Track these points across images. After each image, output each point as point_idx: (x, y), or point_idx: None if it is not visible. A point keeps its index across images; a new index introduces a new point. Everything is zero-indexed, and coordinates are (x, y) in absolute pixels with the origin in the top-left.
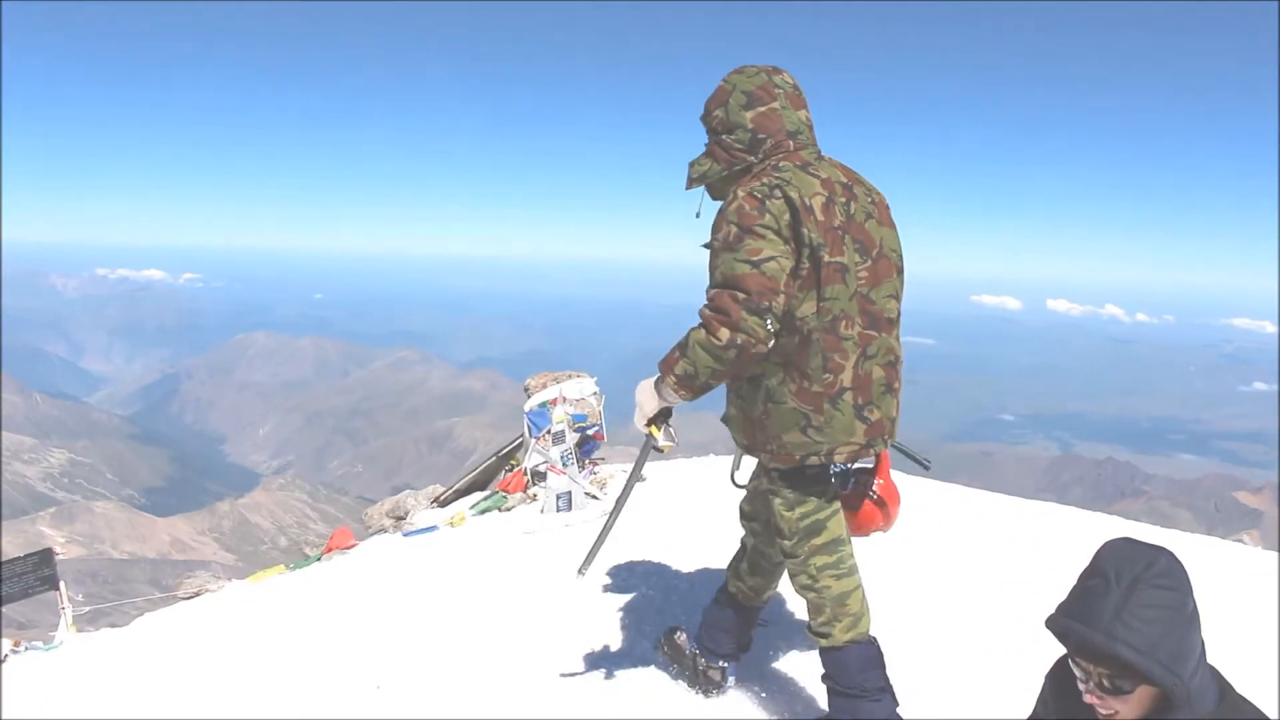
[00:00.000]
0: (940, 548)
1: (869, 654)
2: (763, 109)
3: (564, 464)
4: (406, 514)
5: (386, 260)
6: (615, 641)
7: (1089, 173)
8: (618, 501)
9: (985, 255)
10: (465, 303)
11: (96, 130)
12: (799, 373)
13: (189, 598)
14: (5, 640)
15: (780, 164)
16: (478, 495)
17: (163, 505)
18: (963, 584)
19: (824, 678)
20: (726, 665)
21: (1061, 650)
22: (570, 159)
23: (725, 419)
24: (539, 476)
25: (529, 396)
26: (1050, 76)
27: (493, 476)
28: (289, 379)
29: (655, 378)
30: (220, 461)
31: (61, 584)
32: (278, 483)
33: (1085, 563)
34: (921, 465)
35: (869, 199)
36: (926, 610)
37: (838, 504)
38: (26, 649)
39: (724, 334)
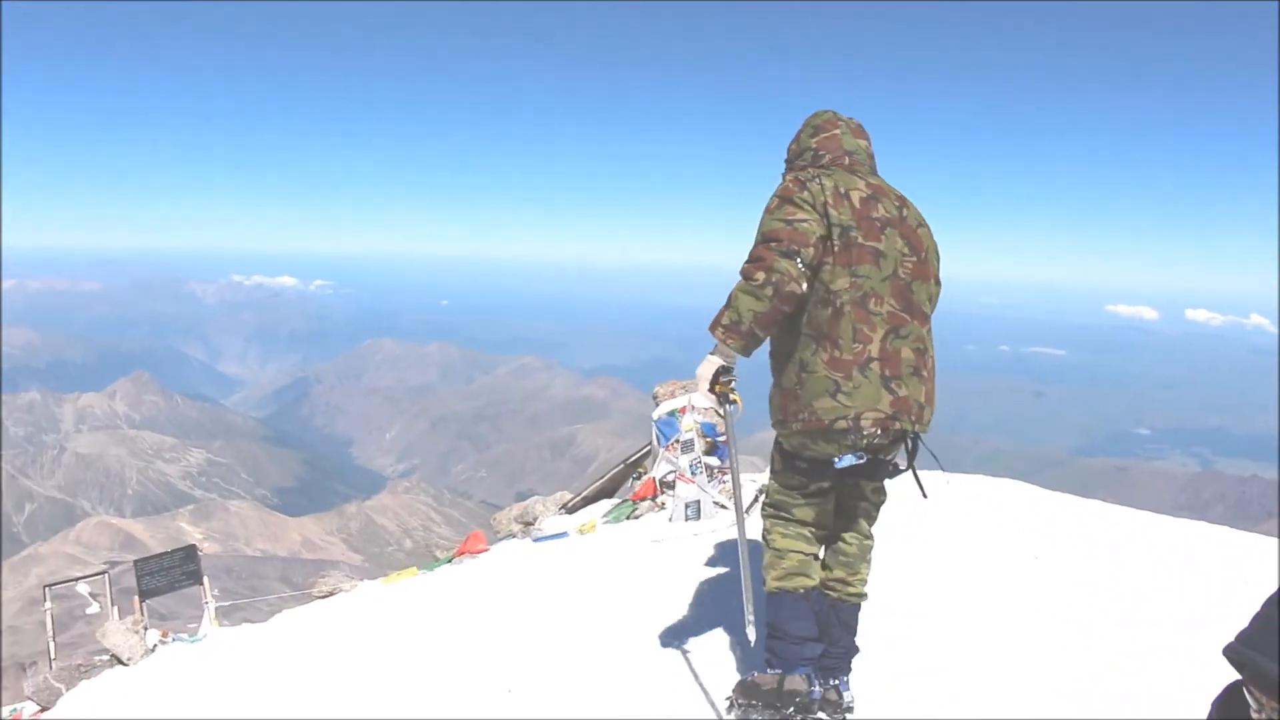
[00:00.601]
0: (1087, 567)
1: (799, 606)
2: (825, 135)
3: (693, 473)
4: (535, 520)
5: (512, 267)
6: (743, 649)
7: (1233, 177)
8: (735, 498)
9: (1121, 264)
10: (590, 310)
11: (233, 139)
12: (830, 343)
13: (323, 597)
14: (154, 631)
15: (831, 166)
16: (607, 502)
17: (293, 505)
18: (1110, 604)
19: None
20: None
21: (1234, 676)
22: (708, 165)
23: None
24: (668, 485)
25: (657, 404)
26: (1193, 73)
27: (620, 484)
28: (415, 384)
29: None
30: (348, 464)
31: (205, 579)
32: (403, 486)
33: (1235, 586)
34: (921, 493)
35: (920, 216)
36: (1077, 631)
37: (817, 501)
38: (174, 640)
39: (760, 275)
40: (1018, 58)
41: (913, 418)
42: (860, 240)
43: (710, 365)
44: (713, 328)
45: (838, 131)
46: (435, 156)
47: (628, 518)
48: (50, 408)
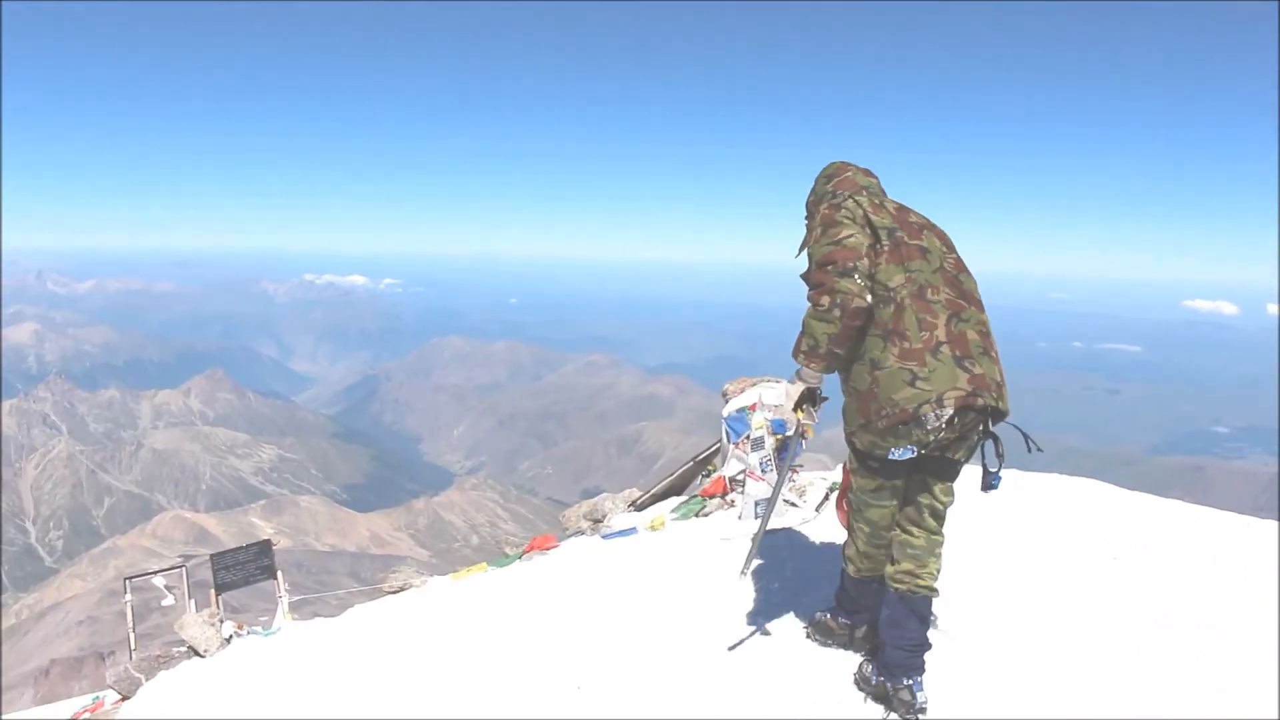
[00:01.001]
0: (1168, 570)
1: (866, 587)
2: (840, 178)
3: (763, 470)
4: (604, 517)
5: (579, 266)
6: (810, 649)
7: None
8: (769, 501)
9: (1201, 258)
10: (657, 308)
11: (309, 142)
12: (898, 336)
13: (394, 592)
14: (229, 624)
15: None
16: (676, 500)
17: (362, 501)
18: (1192, 607)
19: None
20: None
21: None
22: (776, 164)
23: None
24: (737, 483)
25: (726, 401)
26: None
27: (689, 481)
28: (483, 382)
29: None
30: (416, 460)
31: (279, 573)
32: (470, 482)
33: None
34: (1034, 448)
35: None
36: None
37: (887, 502)
38: (249, 633)
39: (825, 300)
40: (1097, 46)
41: (994, 395)
42: (906, 239)
43: (798, 388)
44: (795, 355)
45: (849, 174)
46: (506, 157)
47: (696, 515)
48: (128, 405)
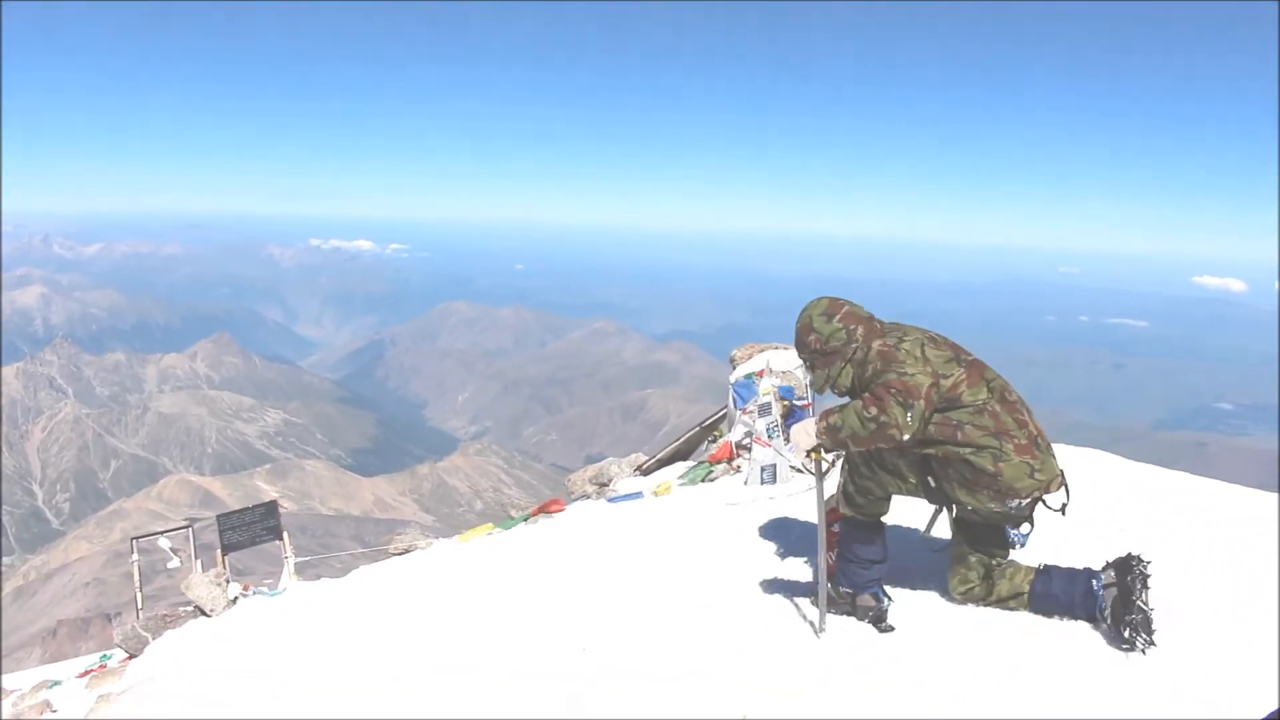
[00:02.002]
0: (1175, 541)
1: (869, 531)
2: (839, 314)
3: (770, 436)
4: (610, 481)
5: (587, 232)
6: (813, 613)
7: None
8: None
9: (1211, 235)
10: (665, 276)
11: (315, 105)
12: (1007, 435)
13: (400, 553)
14: (235, 584)
15: (871, 335)
16: (682, 465)
17: (367, 465)
18: (1199, 580)
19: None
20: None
21: None
22: (785, 134)
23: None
24: (744, 448)
25: (734, 367)
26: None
27: (695, 447)
28: (488, 347)
29: (812, 419)
30: (421, 426)
31: (285, 534)
32: (475, 448)
33: None
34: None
35: None
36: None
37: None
38: (255, 593)
39: (873, 409)
40: (1107, 20)
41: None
42: (967, 358)
43: (808, 439)
44: (821, 419)
45: (848, 308)
46: (512, 122)
47: (703, 480)
48: (134, 368)
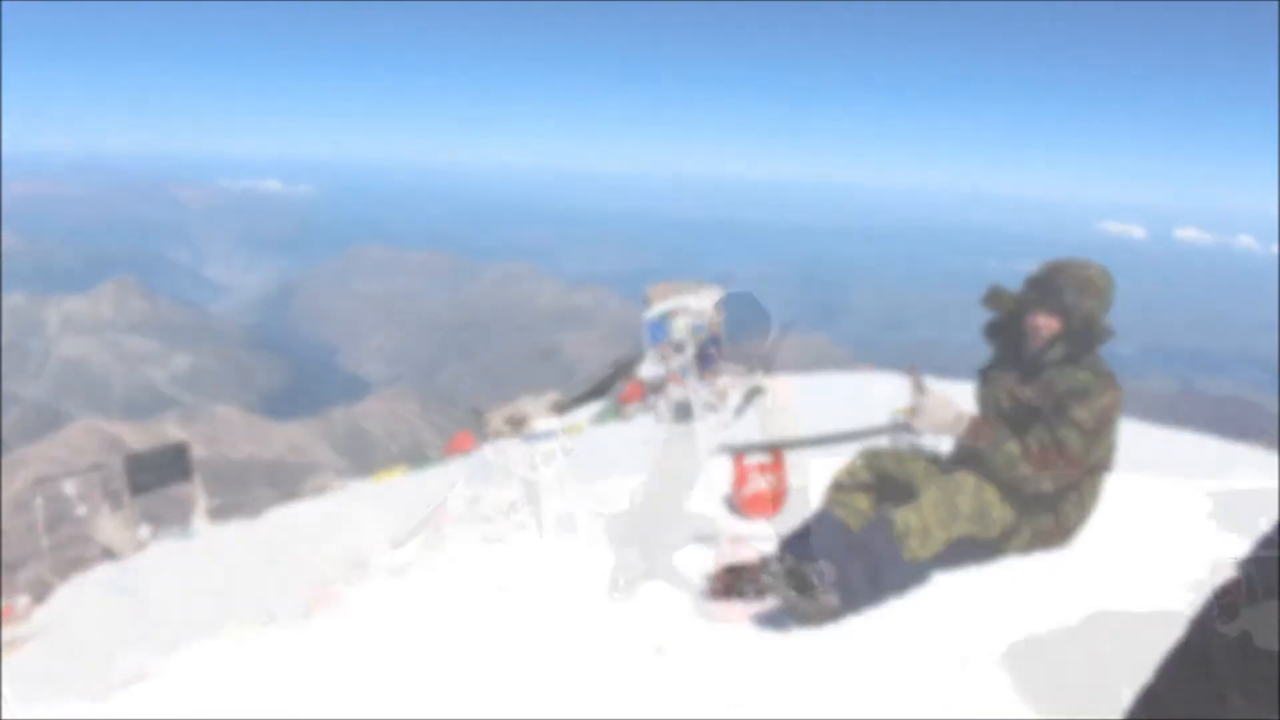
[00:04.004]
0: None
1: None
2: (1107, 317)
3: (683, 375)
4: (524, 419)
5: (499, 173)
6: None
7: (1231, 91)
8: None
9: (1118, 181)
10: (576, 217)
11: (222, 39)
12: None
13: (314, 495)
14: (145, 527)
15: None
16: (597, 404)
17: (279, 410)
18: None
19: None
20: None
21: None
22: (694, 73)
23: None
24: (657, 387)
25: (649, 306)
26: None
27: (609, 387)
28: (401, 291)
29: (960, 412)
30: (335, 370)
31: (196, 476)
32: (390, 392)
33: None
34: None
35: None
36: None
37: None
38: (164, 536)
39: (1027, 470)
40: None
41: None
42: None
43: (943, 421)
44: (970, 423)
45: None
46: (422, 60)
47: (616, 419)
48: (34, 312)
